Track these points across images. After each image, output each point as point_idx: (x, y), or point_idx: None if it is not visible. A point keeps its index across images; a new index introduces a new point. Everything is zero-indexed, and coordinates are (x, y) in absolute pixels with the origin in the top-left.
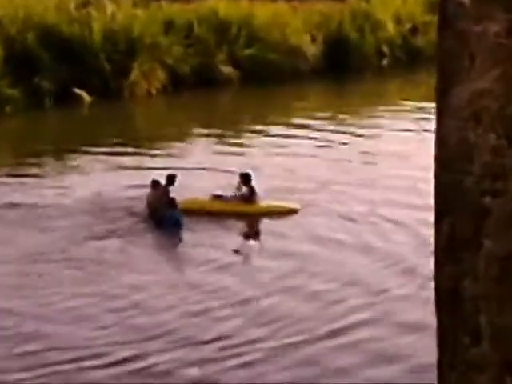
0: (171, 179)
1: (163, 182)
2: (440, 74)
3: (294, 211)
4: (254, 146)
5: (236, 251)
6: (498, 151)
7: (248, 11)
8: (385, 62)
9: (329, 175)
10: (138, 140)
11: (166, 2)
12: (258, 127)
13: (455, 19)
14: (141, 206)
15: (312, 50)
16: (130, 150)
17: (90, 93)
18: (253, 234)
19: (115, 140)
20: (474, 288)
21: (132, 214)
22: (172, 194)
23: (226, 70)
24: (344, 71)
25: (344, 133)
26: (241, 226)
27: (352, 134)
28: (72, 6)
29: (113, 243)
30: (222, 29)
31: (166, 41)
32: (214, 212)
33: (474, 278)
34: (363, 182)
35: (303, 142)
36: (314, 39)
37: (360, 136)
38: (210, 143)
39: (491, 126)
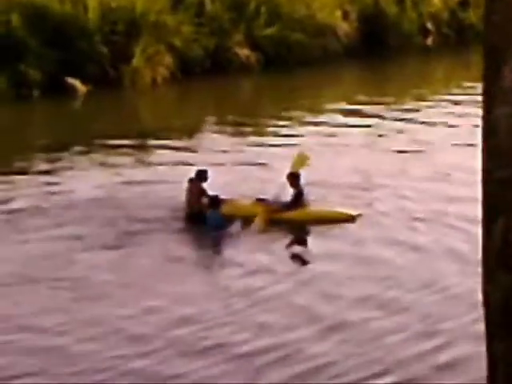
0: (201, 175)
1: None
2: (488, 53)
3: (351, 218)
4: (278, 141)
5: (286, 258)
6: None
7: None
8: (429, 40)
9: (382, 170)
10: (141, 136)
11: None
12: (283, 119)
13: None
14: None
15: (344, 27)
16: (130, 146)
17: (84, 82)
18: (303, 239)
19: (113, 135)
20: None
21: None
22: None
23: (244, 52)
24: (382, 52)
25: (388, 120)
26: (289, 230)
27: (397, 121)
28: None
29: (150, 245)
30: (238, 5)
31: (174, 19)
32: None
33: None
34: (423, 175)
35: (339, 132)
36: (346, 15)
37: (406, 124)
38: (227, 137)
39: None
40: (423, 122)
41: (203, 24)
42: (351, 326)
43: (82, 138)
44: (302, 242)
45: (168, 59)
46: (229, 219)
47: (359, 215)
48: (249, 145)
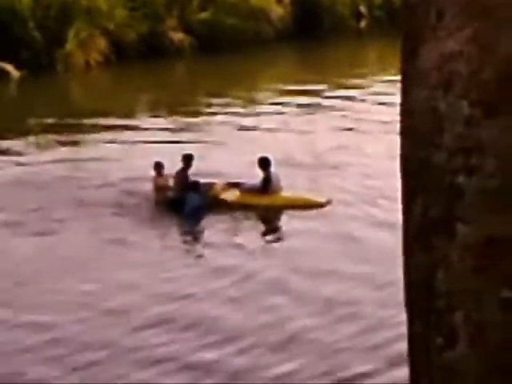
0: (188, 159)
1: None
2: (405, 35)
3: (321, 205)
4: (211, 124)
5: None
6: (472, 121)
7: None
8: (362, 23)
9: (335, 148)
10: (75, 118)
11: None
12: (216, 102)
13: None
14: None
15: (278, 11)
16: (65, 129)
17: (18, 67)
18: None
19: (48, 120)
20: (448, 280)
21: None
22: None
23: (178, 36)
24: (316, 36)
25: (323, 100)
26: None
27: (332, 101)
28: None
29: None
30: None
31: (107, 4)
32: (228, 203)
33: (447, 269)
34: (376, 152)
35: (268, 117)
36: None
37: (341, 103)
38: (160, 118)
39: (463, 93)
40: (360, 101)
41: (137, 8)
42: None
43: (16, 122)
44: (273, 223)
45: (102, 43)
46: (208, 203)
47: (329, 201)
48: (184, 126)
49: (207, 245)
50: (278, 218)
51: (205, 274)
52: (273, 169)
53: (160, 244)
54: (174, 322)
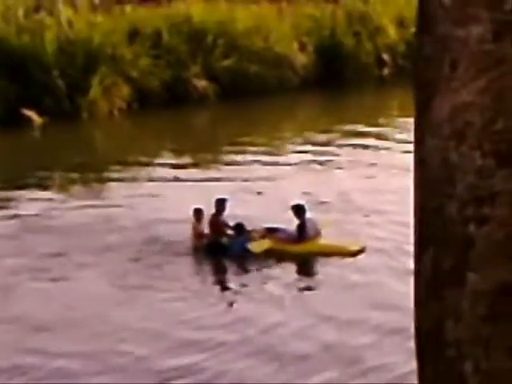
0: (222, 203)
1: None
2: (418, 86)
3: (356, 253)
4: (235, 172)
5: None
6: (484, 172)
7: (226, 16)
8: (386, 71)
9: (365, 197)
10: (99, 166)
11: (130, 6)
12: (240, 150)
13: (435, 22)
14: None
15: (301, 59)
16: (85, 181)
17: (41, 114)
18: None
19: (71, 167)
20: (458, 329)
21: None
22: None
23: (201, 84)
24: (339, 83)
25: (346, 149)
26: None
27: (356, 150)
28: (21, 12)
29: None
30: (195, 37)
31: (131, 52)
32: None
33: (458, 318)
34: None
35: (293, 165)
36: (303, 47)
37: (365, 151)
38: (183, 170)
39: (476, 144)
40: (384, 149)
41: (160, 56)
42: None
43: (39, 169)
44: (306, 271)
45: (125, 91)
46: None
47: (363, 249)
48: (208, 173)
49: (239, 293)
50: (312, 266)
51: (233, 324)
52: (308, 215)
53: (190, 289)
54: (200, 373)
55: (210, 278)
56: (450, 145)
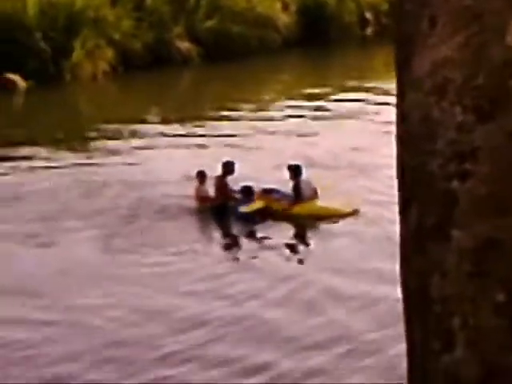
0: (230, 167)
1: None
2: (399, 42)
3: (351, 214)
4: (223, 131)
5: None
6: (465, 127)
7: None
8: (369, 30)
9: (347, 155)
10: (83, 130)
11: None
12: (225, 110)
13: None
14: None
15: (284, 19)
16: (71, 144)
17: (25, 77)
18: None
19: (55, 130)
20: (444, 286)
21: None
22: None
23: (184, 45)
24: (322, 43)
25: (331, 107)
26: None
27: (343, 107)
28: None
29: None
30: None
31: (113, 14)
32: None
33: (444, 275)
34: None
35: (279, 123)
36: (285, 7)
37: (349, 113)
38: (169, 128)
39: (456, 99)
40: (369, 103)
41: (142, 18)
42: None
43: (24, 131)
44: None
45: (108, 53)
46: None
47: (357, 211)
48: (193, 134)
49: (249, 251)
50: (309, 228)
51: (246, 278)
52: (304, 176)
53: (201, 250)
54: (217, 322)
55: (215, 241)
56: (431, 100)
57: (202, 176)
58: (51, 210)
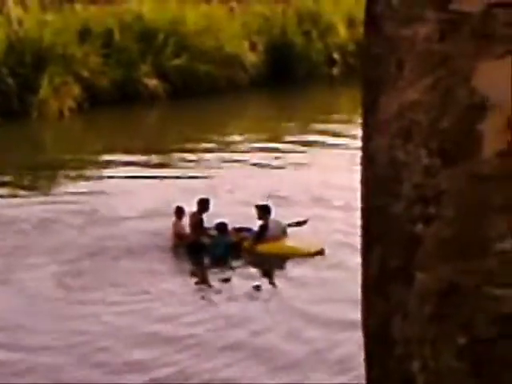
0: (205, 204)
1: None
2: (366, 85)
3: (317, 254)
4: (186, 169)
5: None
6: (431, 171)
7: (177, 15)
8: (336, 70)
9: (313, 195)
10: (46, 169)
11: (81, 6)
12: (191, 151)
13: (383, 22)
14: None
15: (251, 58)
16: (36, 180)
17: None
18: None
19: (20, 167)
20: (405, 328)
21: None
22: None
23: (152, 83)
24: (289, 82)
25: (294, 151)
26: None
27: (303, 152)
28: None
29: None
30: (146, 36)
31: (82, 51)
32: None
33: (405, 317)
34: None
35: (246, 165)
36: (253, 46)
37: (312, 153)
38: (134, 168)
39: (422, 143)
40: (336, 147)
41: (111, 55)
42: None
43: None
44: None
45: (75, 90)
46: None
47: (322, 251)
48: (159, 171)
49: (213, 291)
50: (275, 264)
51: (206, 318)
52: (273, 215)
53: (167, 289)
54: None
55: (183, 279)
56: (397, 143)
57: (179, 212)
58: (12, 245)
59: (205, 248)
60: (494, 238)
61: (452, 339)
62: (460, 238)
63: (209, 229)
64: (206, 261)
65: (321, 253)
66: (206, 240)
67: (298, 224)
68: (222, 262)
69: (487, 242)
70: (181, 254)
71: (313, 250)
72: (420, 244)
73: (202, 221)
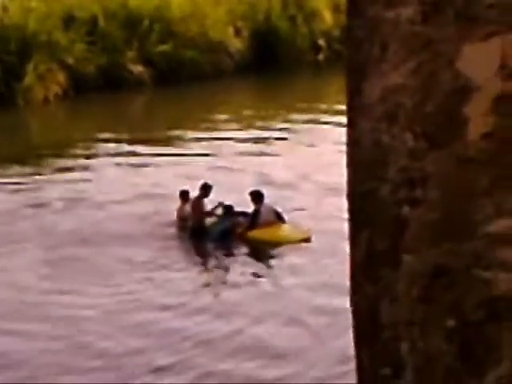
0: (207, 188)
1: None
2: (350, 69)
3: (301, 241)
4: (169, 155)
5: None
6: (416, 154)
7: (161, 1)
8: (321, 56)
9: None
10: (32, 155)
11: None
12: (176, 137)
13: (365, 5)
14: None
15: (236, 44)
16: (22, 166)
17: None
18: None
19: (5, 154)
20: (393, 311)
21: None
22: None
23: (137, 69)
24: (273, 68)
25: (279, 135)
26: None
27: (290, 137)
28: None
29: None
30: (131, 22)
31: (66, 37)
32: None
33: (393, 300)
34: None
35: (225, 151)
36: (238, 32)
37: (295, 140)
38: (118, 156)
39: (407, 126)
40: (322, 131)
41: (96, 42)
42: None
43: None
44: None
45: (60, 77)
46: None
47: (309, 238)
48: (141, 163)
49: (206, 275)
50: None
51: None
52: (266, 201)
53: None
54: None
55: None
56: (382, 126)
57: (184, 195)
58: (0, 232)
59: (206, 232)
60: (480, 220)
61: (440, 322)
62: (446, 220)
63: (213, 212)
64: (207, 245)
65: (307, 240)
66: (208, 222)
67: (302, 240)
68: (218, 246)
69: (474, 225)
70: (181, 237)
71: (301, 236)
72: (407, 227)
73: (202, 205)
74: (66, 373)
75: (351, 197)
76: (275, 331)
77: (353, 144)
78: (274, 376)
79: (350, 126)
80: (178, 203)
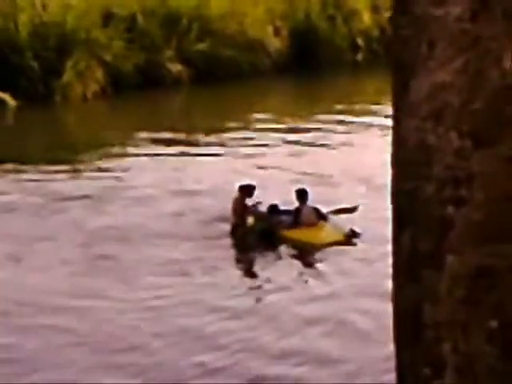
0: (251, 190)
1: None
2: (396, 67)
3: (347, 239)
4: (206, 151)
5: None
6: (462, 153)
7: (200, 0)
8: (360, 56)
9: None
10: (69, 152)
11: None
12: (212, 133)
13: (413, 3)
14: None
15: (275, 43)
16: (58, 163)
17: (15, 96)
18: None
19: (44, 150)
20: (436, 312)
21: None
22: None
23: (175, 68)
24: (312, 68)
25: (319, 135)
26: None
27: (329, 136)
28: None
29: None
30: (170, 21)
31: (105, 35)
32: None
33: (435, 301)
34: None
35: (263, 150)
36: (277, 31)
37: (335, 140)
38: (154, 154)
39: (453, 125)
40: (362, 131)
41: (134, 39)
42: None
43: (12, 155)
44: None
45: (99, 74)
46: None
47: (349, 239)
48: (178, 161)
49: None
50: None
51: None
52: (309, 201)
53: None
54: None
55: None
56: (428, 125)
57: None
58: (40, 225)
59: (247, 232)
60: None
61: (483, 323)
62: (491, 220)
63: (254, 210)
64: (250, 245)
65: (348, 242)
66: (249, 222)
67: (346, 211)
68: (260, 246)
69: None
70: (225, 236)
71: (341, 238)
72: (451, 227)
73: (244, 205)
74: (108, 374)
75: (395, 196)
76: (324, 335)
77: (398, 143)
78: (323, 380)
79: (396, 124)
80: (214, 201)
